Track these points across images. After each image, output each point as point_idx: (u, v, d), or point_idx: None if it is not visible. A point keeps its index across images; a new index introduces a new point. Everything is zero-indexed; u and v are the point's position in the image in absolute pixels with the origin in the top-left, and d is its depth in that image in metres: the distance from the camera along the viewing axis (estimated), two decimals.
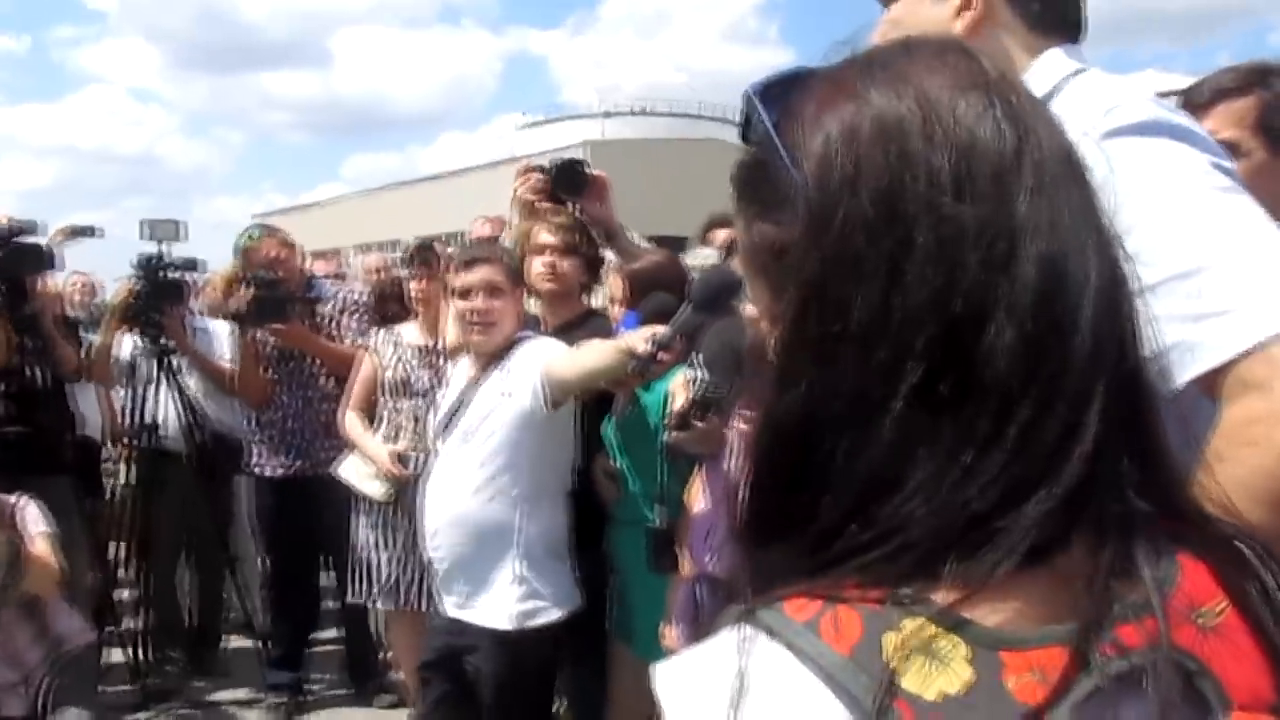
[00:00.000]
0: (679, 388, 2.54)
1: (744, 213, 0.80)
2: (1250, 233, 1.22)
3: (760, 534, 0.71)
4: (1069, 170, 0.69)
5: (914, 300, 0.65)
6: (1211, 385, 1.16)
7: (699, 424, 2.39)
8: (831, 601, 0.62)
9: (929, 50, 0.73)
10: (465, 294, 3.19)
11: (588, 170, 3.61)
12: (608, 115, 42.88)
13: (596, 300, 3.76)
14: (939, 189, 0.66)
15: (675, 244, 5.24)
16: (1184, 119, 1.40)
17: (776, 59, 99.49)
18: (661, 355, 2.27)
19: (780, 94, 0.77)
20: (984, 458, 0.64)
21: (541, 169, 3.64)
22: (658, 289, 3.19)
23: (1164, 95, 1.93)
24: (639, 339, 2.39)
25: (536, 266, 3.47)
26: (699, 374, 2.23)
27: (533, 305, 3.64)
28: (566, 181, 3.58)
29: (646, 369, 2.36)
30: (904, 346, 0.65)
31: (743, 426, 2.44)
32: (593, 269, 3.60)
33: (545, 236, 3.49)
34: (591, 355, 2.84)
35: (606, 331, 3.28)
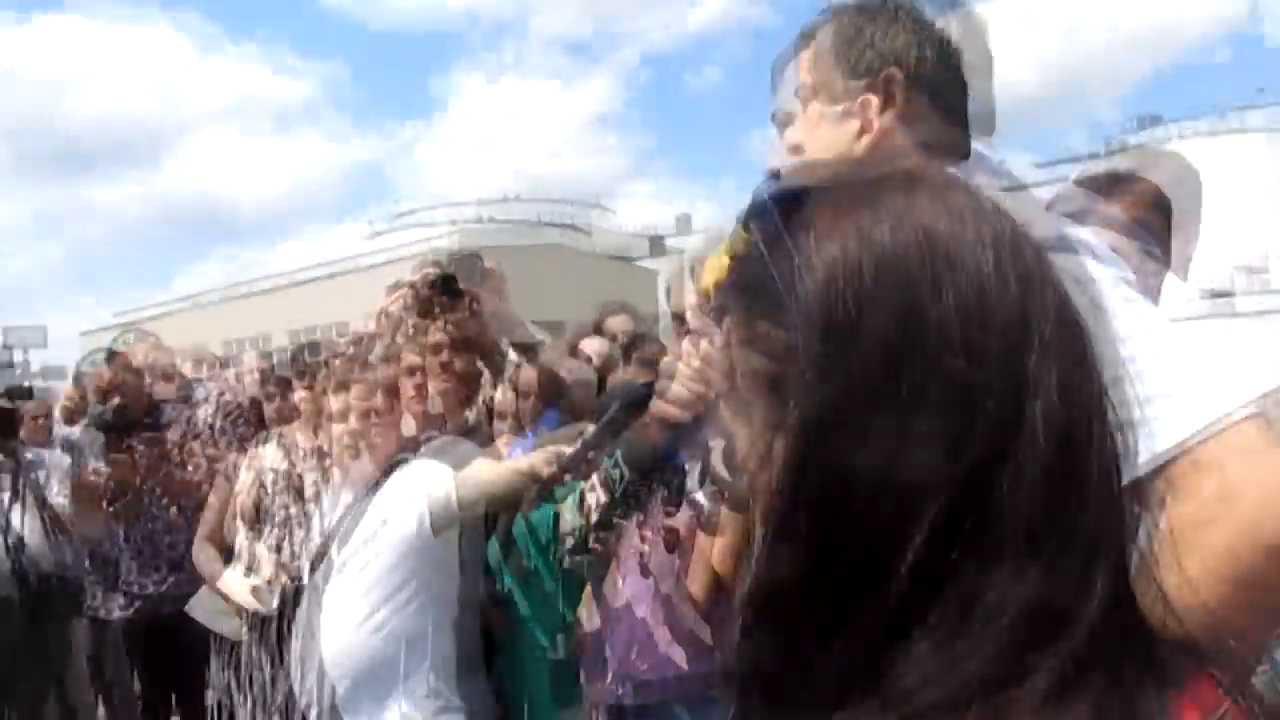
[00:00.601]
0: (587, 495, 2.44)
1: (741, 306, 0.75)
2: (1165, 338, 1.25)
3: (766, 693, 0.68)
4: (1070, 325, 0.67)
5: (928, 443, 0.63)
6: (1142, 490, 1.17)
7: (610, 530, 2.28)
8: None
9: (936, 188, 0.70)
10: (341, 416, 3.03)
11: (484, 264, 3.56)
12: (453, 223, 43.06)
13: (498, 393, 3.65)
14: (946, 341, 0.64)
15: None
16: (1083, 232, 1.45)
17: (617, 166, 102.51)
18: (568, 477, 2.17)
19: (789, 201, 0.73)
20: (997, 616, 0.62)
21: (438, 263, 3.57)
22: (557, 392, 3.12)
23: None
24: (541, 460, 2.29)
25: (409, 390, 3.35)
26: (622, 471, 2.12)
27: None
28: (464, 274, 3.50)
29: (549, 491, 2.26)
30: (918, 490, 0.62)
31: (649, 535, 2.36)
32: (471, 384, 3.50)
33: (421, 356, 3.38)
34: (486, 478, 2.72)
35: (479, 453, 3.17)
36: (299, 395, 4.25)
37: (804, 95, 1.57)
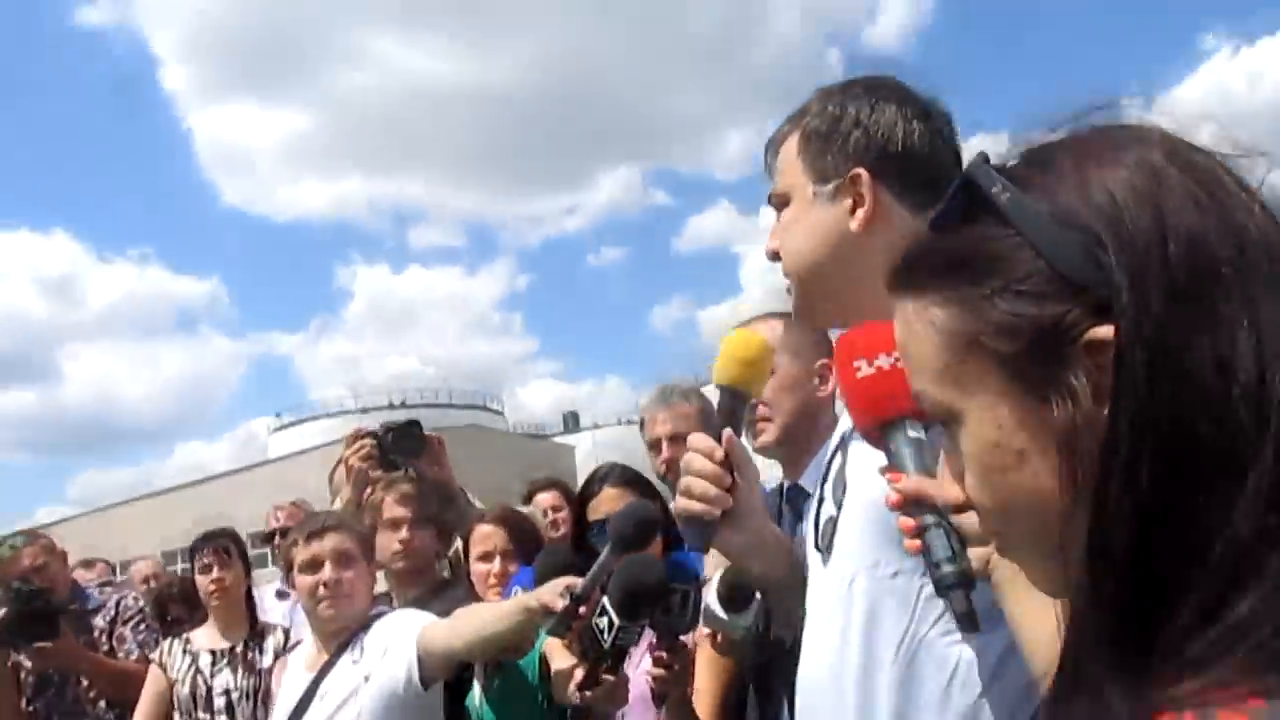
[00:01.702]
0: (573, 640, 2.33)
1: (961, 295, 0.72)
2: None
3: (1114, 649, 0.64)
4: None
5: (1258, 355, 0.62)
6: None
7: (609, 677, 2.18)
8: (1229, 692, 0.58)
9: (1158, 129, 0.72)
10: (312, 566, 2.88)
11: (423, 432, 3.48)
12: (364, 410, 42.55)
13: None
14: (1246, 237, 0.65)
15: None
16: None
17: (521, 347, 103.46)
18: (581, 609, 2.08)
19: (1004, 169, 0.72)
20: None
21: (374, 434, 3.47)
22: (534, 535, 3.02)
23: None
24: (550, 594, 2.19)
25: (391, 543, 3.22)
26: (611, 618, 2.05)
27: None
28: (403, 444, 3.42)
29: (564, 627, 2.15)
30: (1263, 400, 0.62)
31: (653, 671, 2.26)
32: (444, 535, 3.39)
33: (398, 508, 3.26)
34: (486, 620, 2.57)
35: (463, 601, 3.04)
36: (212, 578, 4.07)
37: (795, 177, 1.60)
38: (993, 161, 0.74)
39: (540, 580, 2.34)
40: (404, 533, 3.25)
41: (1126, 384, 0.64)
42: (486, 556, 3.09)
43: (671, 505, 1.76)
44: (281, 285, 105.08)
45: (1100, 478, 0.65)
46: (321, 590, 2.85)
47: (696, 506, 1.53)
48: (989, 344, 0.70)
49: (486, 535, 3.13)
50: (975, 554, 1.14)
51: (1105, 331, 0.65)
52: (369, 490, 3.44)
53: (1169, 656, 0.61)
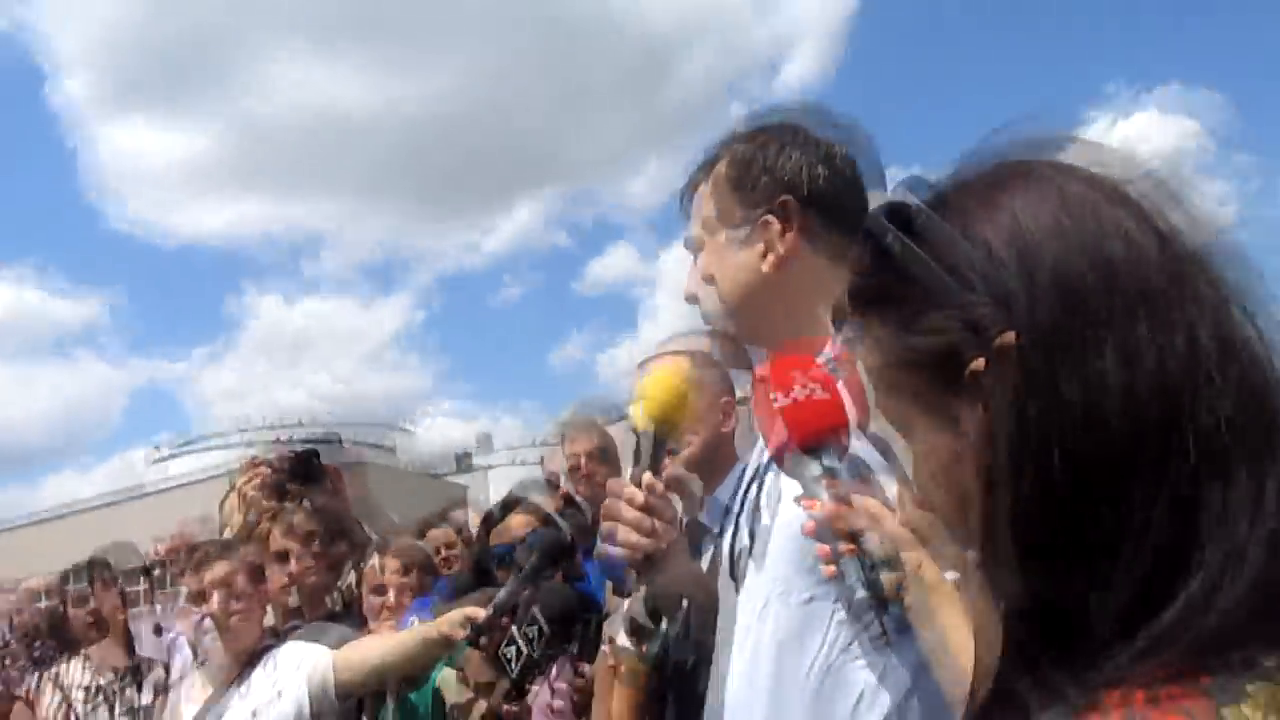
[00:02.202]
0: (475, 670, 2.30)
1: (879, 333, 0.79)
2: None
3: (1037, 645, 0.67)
4: (1207, 262, 0.74)
5: (1123, 377, 0.67)
6: None
7: (512, 708, 2.16)
8: (1159, 692, 0.60)
9: (1049, 164, 0.78)
10: (200, 597, 2.78)
11: (320, 462, 3.41)
12: (250, 444, 41.26)
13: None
14: (1115, 268, 0.70)
15: None
16: None
17: (417, 383, 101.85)
18: (483, 639, 2.05)
19: (907, 214, 0.78)
20: (1253, 534, 0.65)
21: (269, 463, 3.38)
22: (433, 570, 2.97)
23: None
24: (451, 624, 2.15)
25: (279, 577, 3.13)
26: (521, 646, 2.03)
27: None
28: (300, 473, 3.35)
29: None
30: (1135, 419, 0.66)
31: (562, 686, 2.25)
32: (336, 568, 3.31)
33: (287, 541, 3.18)
34: (382, 651, 2.51)
35: (356, 635, 2.97)
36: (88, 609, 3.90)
37: (709, 223, 1.65)
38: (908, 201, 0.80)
39: (441, 608, 2.31)
40: (292, 565, 3.16)
41: (1002, 409, 0.69)
42: (380, 588, 3.04)
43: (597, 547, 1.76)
44: (169, 311, 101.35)
45: (989, 502, 0.70)
46: (206, 622, 2.75)
47: (619, 552, 1.54)
48: (902, 373, 0.77)
49: (381, 566, 3.08)
50: (889, 577, 1.18)
51: (982, 362, 0.71)
52: (260, 521, 3.35)
53: (1089, 667, 0.64)
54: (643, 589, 1.72)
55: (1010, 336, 0.69)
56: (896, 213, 0.78)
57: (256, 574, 2.96)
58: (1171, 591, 0.64)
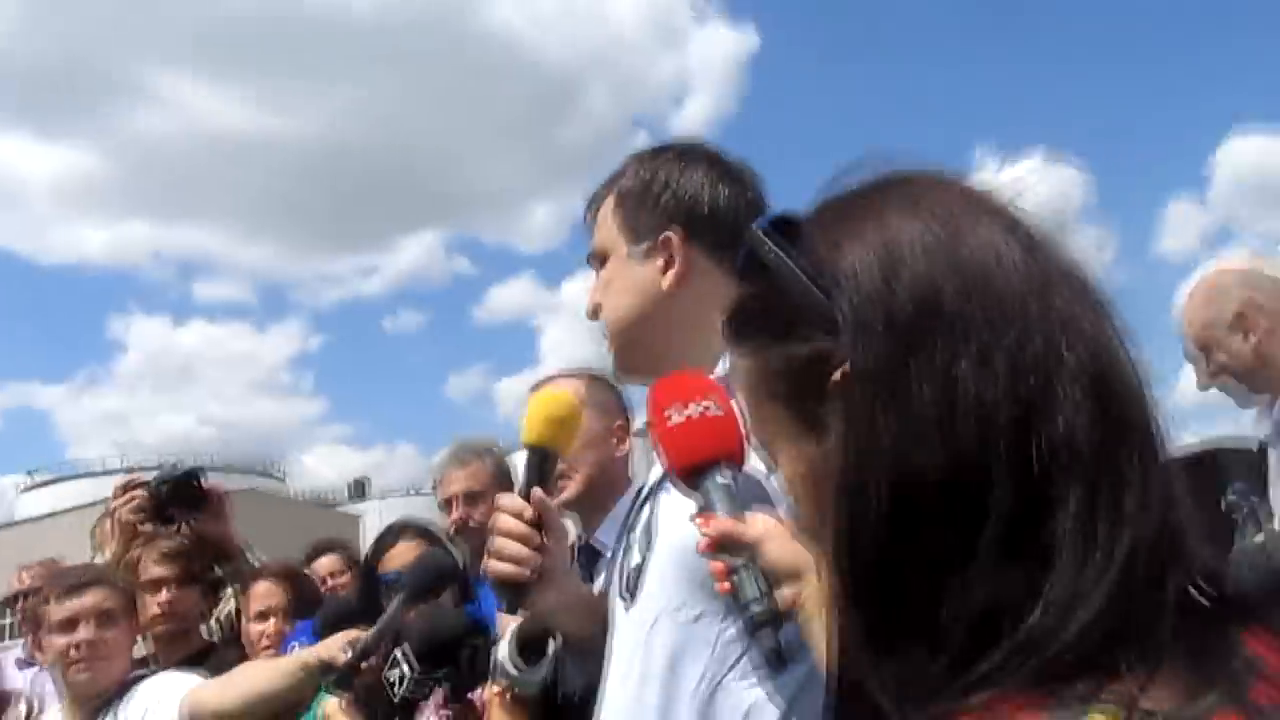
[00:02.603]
0: (355, 698, 2.22)
1: (752, 345, 0.79)
2: None
3: (881, 668, 0.67)
4: (1077, 279, 0.74)
5: (980, 383, 0.67)
6: None
7: None
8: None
9: (927, 176, 0.79)
10: (68, 625, 2.63)
11: (203, 484, 3.28)
12: (130, 470, 39.64)
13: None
14: (976, 281, 0.70)
15: None
16: None
17: (310, 410, 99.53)
18: (366, 663, 1.99)
19: (788, 228, 0.78)
20: (1107, 549, 0.64)
21: (148, 485, 3.24)
22: (315, 593, 2.87)
23: None
24: (333, 649, 2.08)
25: (150, 605, 2.99)
26: (404, 670, 1.97)
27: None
28: (181, 496, 3.21)
29: (347, 683, 2.05)
30: (983, 425, 0.66)
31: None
32: (212, 594, 3.18)
33: (158, 568, 3.04)
34: (260, 678, 2.41)
35: (234, 665, 2.85)
36: None
37: (612, 237, 1.66)
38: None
39: (323, 633, 2.23)
40: (164, 594, 3.03)
41: (850, 419, 0.69)
42: (263, 615, 2.93)
43: (483, 564, 1.72)
44: (45, 332, 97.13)
45: (834, 515, 0.70)
46: (74, 652, 2.61)
47: (508, 568, 1.51)
48: (772, 385, 0.77)
49: (264, 593, 2.97)
50: (782, 594, 1.17)
51: (841, 373, 0.71)
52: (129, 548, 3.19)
53: (932, 693, 0.64)
54: (529, 610, 1.68)
55: (866, 342, 0.69)
56: (775, 225, 0.78)
57: (130, 602, 2.82)
58: (1019, 616, 0.63)
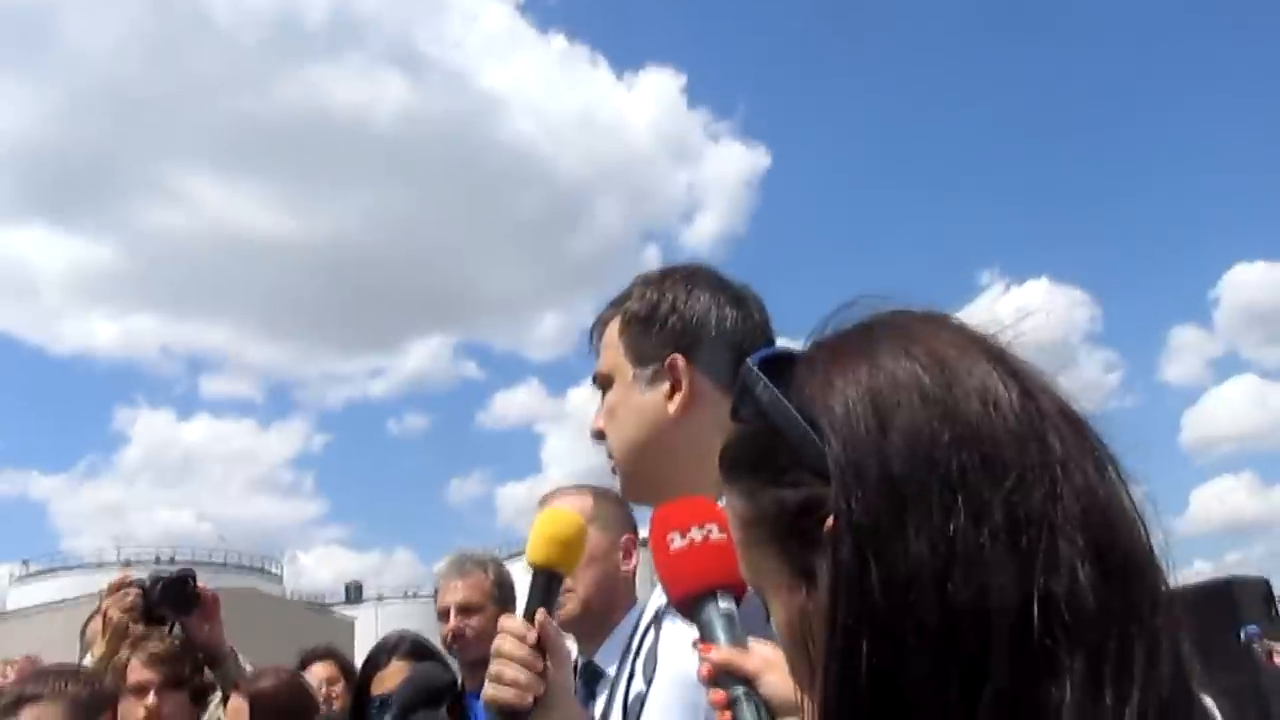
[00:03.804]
0: None
1: (745, 486, 0.78)
2: None
3: None
4: (1073, 420, 0.72)
5: (977, 538, 0.64)
6: None
7: None
8: None
9: (922, 316, 0.78)
10: None
11: (197, 585, 3.22)
12: (127, 564, 39.22)
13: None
14: (971, 429, 0.68)
15: None
16: None
17: (310, 510, 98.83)
18: None
19: (781, 367, 0.77)
20: (1119, 700, 0.62)
21: (141, 584, 3.18)
22: (287, 713, 2.78)
23: None
24: None
25: (136, 711, 2.91)
26: None
27: None
28: (173, 597, 3.14)
29: None
30: (982, 584, 0.63)
31: None
32: (200, 700, 3.09)
33: (145, 672, 2.96)
34: None
35: None
36: None
37: (617, 360, 1.66)
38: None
39: None
40: (150, 699, 2.93)
41: (838, 571, 0.66)
42: None
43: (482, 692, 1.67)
44: (49, 421, 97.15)
45: (822, 667, 0.67)
46: None
47: (508, 694, 1.46)
48: (764, 529, 0.75)
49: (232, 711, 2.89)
50: None
51: (832, 520, 0.68)
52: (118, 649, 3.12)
53: None
54: None
55: (857, 491, 0.67)
56: (769, 362, 0.78)
57: (89, 711, 2.66)
58: None
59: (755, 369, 0.78)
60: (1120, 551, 0.66)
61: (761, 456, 0.76)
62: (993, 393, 0.69)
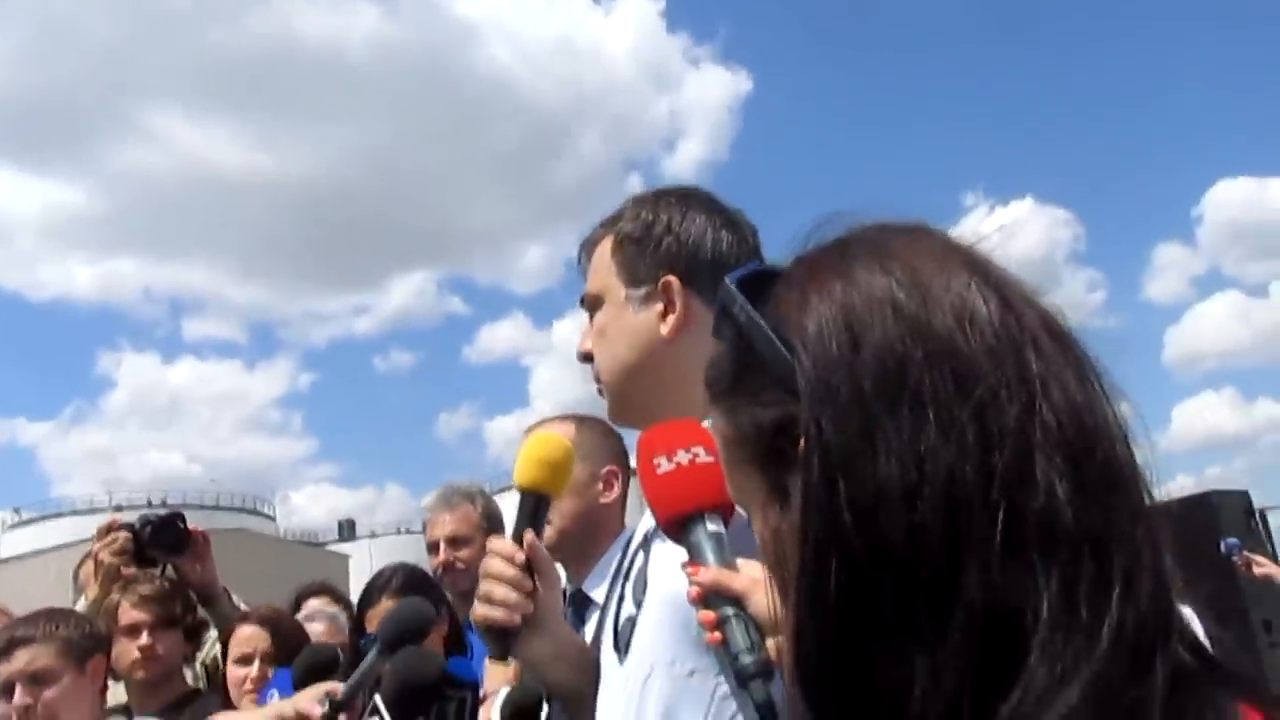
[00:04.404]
0: None
1: (726, 405, 0.77)
2: None
3: None
4: (1057, 334, 0.71)
5: (947, 456, 0.62)
6: None
7: None
8: None
9: (902, 230, 0.75)
10: (6, 691, 2.53)
11: (187, 526, 3.22)
12: (119, 508, 39.36)
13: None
14: (944, 345, 0.66)
15: None
16: None
17: (300, 449, 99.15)
18: (342, 716, 1.93)
19: (760, 284, 0.76)
20: (1091, 631, 0.60)
21: (131, 526, 3.18)
22: (299, 638, 2.81)
23: None
24: (308, 701, 2.02)
25: (129, 651, 2.93)
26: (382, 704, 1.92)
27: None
28: (163, 539, 3.15)
29: None
30: (952, 502, 0.62)
31: None
32: (194, 638, 3.11)
33: (136, 612, 2.98)
34: None
35: (215, 712, 2.78)
36: None
37: (608, 280, 1.63)
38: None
39: (299, 683, 2.17)
40: (143, 639, 2.95)
41: (808, 491, 0.66)
42: (245, 659, 2.86)
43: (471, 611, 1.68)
44: (32, 368, 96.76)
45: (794, 587, 0.66)
46: (14, 717, 2.49)
47: (497, 613, 1.46)
48: (744, 449, 0.75)
49: (247, 637, 2.90)
50: (774, 644, 1.14)
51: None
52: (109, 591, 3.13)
53: None
54: (518, 658, 1.62)
55: (826, 410, 0.66)
56: (748, 281, 0.76)
57: (79, 652, 2.69)
58: (995, 703, 0.59)
59: (733, 287, 0.76)
60: (1099, 465, 0.65)
61: (740, 376, 0.75)
62: (970, 308, 0.67)
